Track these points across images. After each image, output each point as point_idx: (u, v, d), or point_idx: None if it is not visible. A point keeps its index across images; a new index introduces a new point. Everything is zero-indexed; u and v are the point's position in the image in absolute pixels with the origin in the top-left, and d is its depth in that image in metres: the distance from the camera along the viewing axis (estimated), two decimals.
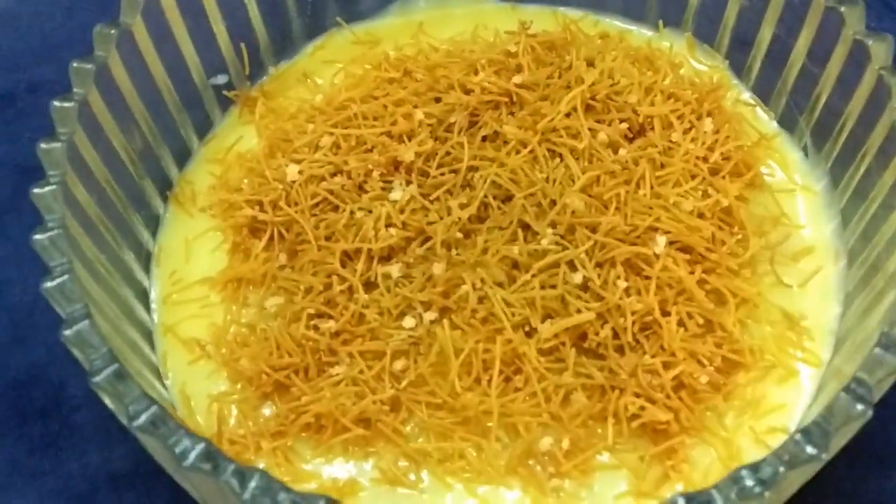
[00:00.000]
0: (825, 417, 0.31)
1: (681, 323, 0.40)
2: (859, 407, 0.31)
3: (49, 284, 0.35)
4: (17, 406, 0.45)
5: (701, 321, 0.40)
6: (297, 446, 0.39)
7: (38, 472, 0.43)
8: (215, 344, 0.42)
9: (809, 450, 0.30)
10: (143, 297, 0.44)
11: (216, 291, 0.44)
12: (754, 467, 0.30)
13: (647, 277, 0.40)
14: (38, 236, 0.36)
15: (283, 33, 0.52)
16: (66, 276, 0.35)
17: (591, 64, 0.48)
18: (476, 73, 0.47)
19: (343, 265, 0.42)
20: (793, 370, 0.41)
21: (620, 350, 0.39)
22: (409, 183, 0.44)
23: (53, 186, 0.38)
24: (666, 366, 0.39)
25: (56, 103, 0.40)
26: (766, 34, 0.48)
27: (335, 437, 0.39)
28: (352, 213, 0.43)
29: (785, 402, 0.40)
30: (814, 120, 0.46)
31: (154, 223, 0.47)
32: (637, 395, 0.38)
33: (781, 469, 0.30)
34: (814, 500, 0.41)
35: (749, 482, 0.30)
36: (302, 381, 0.40)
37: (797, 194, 0.46)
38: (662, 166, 0.44)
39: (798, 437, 0.31)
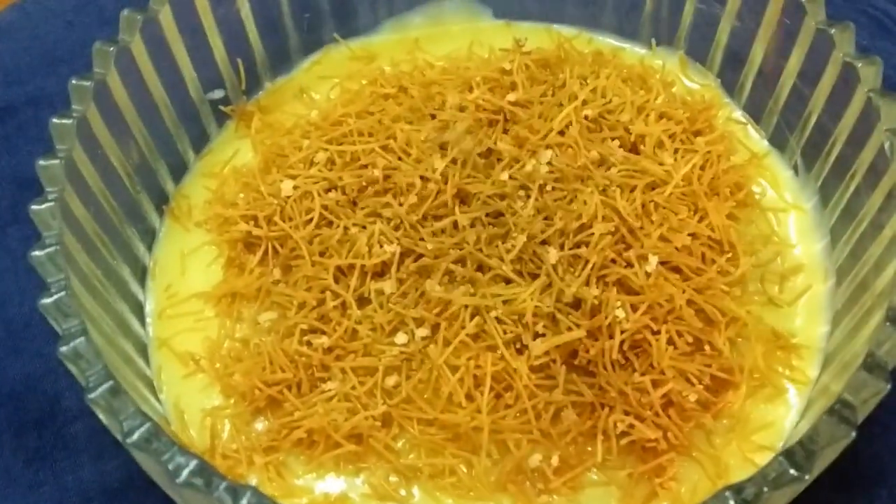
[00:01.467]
0: (810, 438, 0.31)
1: (670, 341, 0.40)
2: (843, 428, 0.32)
3: (46, 301, 0.35)
4: (14, 417, 0.45)
5: (690, 340, 0.40)
6: (289, 461, 0.40)
7: (33, 484, 0.43)
8: (209, 358, 0.43)
9: (793, 471, 0.31)
10: (139, 310, 0.45)
11: (211, 306, 0.44)
12: (738, 488, 0.30)
13: (639, 294, 0.41)
14: (35, 252, 0.37)
15: (279, 49, 0.53)
16: (62, 293, 0.36)
17: (584, 82, 0.48)
18: (471, 90, 0.48)
19: (336, 281, 0.43)
20: (781, 388, 0.41)
21: (610, 368, 0.40)
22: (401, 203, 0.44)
23: (51, 203, 0.38)
24: (655, 384, 0.39)
25: (55, 120, 0.40)
26: (757, 54, 0.49)
27: (327, 452, 0.39)
28: (346, 228, 0.44)
29: (773, 419, 0.40)
30: (804, 139, 0.47)
31: (150, 237, 0.47)
32: (626, 413, 0.39)
33: (765, 489, 0.30)
34: None
35: (733, 502, 0.30)
36: (294, 396, 0.40)
37: (787, 213, 0.47)
38: (655, 185, 0.45)
39: (782, 458, 0.31)
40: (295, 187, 0.45)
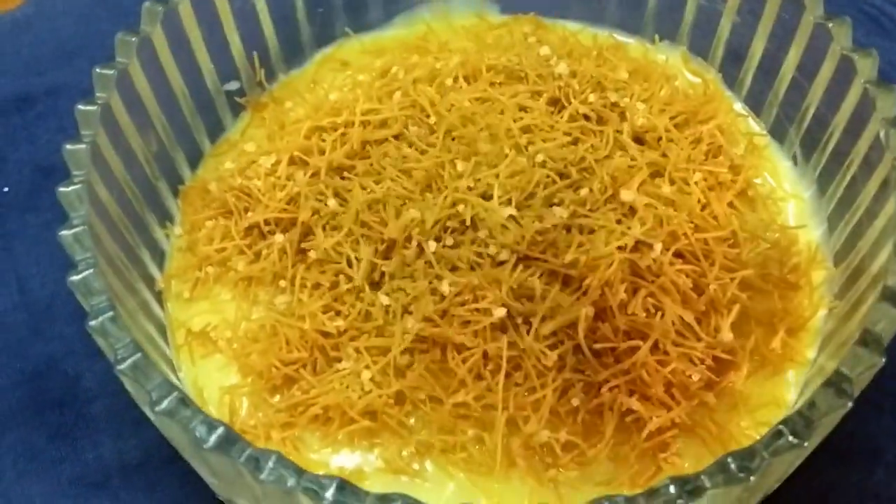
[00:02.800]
0: (808, 408, 0.33)
1: (675, 324, 0.42)
2: (839, 399, 0.33)
3: (75, 278, 0.37)
4: (36, 396, 0.46)
5: (694, 323, 0.42)
6: (305, 437, 0.41)
7: (55, 460, 0.45)
8: (227, 340, 0.44)
9: (792, 439, 0.32)
10: (158, 293, 0.46)
11: (227, 290, 0.46)
12: (740, 454, 0.32)
13: (644, 278, 0.42)
14: (64, 232, 0.38)
15: (293, 42, 0.54)
16: (90, 270, 0.37)
17: (591, 76, 0.50)
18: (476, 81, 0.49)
19: (350, 265, 0.44)
20: (781, 368, 0.43)
21: (617, 349, 0.41)
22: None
23: (78, 185, 0.39)
24: (660, 364, 0.41)
25: (80, 107, 0.42)
26: (757, 48, 0.50)
27: (342, 428, 0.40)
28: (358, 213, 0.45)
29: (773, 398, 0.42)
30: (803, 130, 0.48)
31: (168, 222, 0.48)
32: (631, 392, 0.40)
33: (765, 456, 0.32)
34: (800, 491, 0.43)
35: (735, 468, 0.31)
36: (310, 374, 0.42)
37: (787, 202, 0.48)
38: (658, 175, 0.46)
39: (781, 426, 0.32)
40: (309, 175, 0.47)
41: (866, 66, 0.43)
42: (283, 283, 0.45)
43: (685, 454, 0.40)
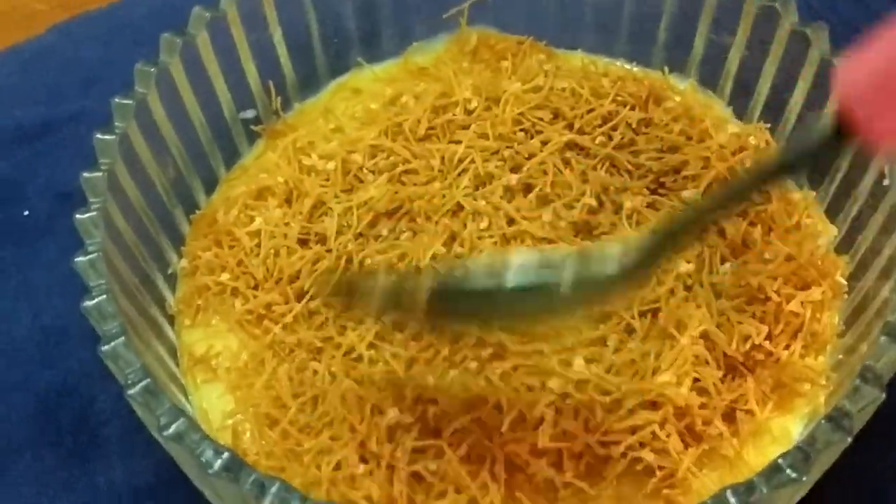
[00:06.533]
0: (807, 443, 0.33)
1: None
2: (838, 434, 0.33)
3: (88, 304, 0.38)
4: (51, 419, 0.47)
5: (718, 382, 0.41)
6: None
7: (67, 484, 0.45)
8: (226, 369, 0.44)
9: (790, 473, 0.32)
10: (172, 316, 0.47)
11: (225, 321, 0.45)
12: (738, 489, 0.32)
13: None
14: (79, 259, 0.39)
15: (308, 71, 0.55)
16: (104, 297, 0.38)
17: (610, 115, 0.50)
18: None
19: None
20: (792, 406, 0.42)
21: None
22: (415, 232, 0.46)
23: (94, 213, 0.40)
24: (677, 419, 0.39)
25: (98, 136, 0.43)
26: (765, 83, 0.51)
27: None
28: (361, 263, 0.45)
29: (784, 435, 0.41)
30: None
31: (180, 245, 0.49)
32: (642, 444, 0.39)
33: (764, 490, 0.32)
34: None
35: (733, 502, 0.32)
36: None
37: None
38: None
39: (780, 460, 0.33)
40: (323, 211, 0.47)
41: None
42: (286, 318, 0.44)
43: (693, 492, 0.39)
